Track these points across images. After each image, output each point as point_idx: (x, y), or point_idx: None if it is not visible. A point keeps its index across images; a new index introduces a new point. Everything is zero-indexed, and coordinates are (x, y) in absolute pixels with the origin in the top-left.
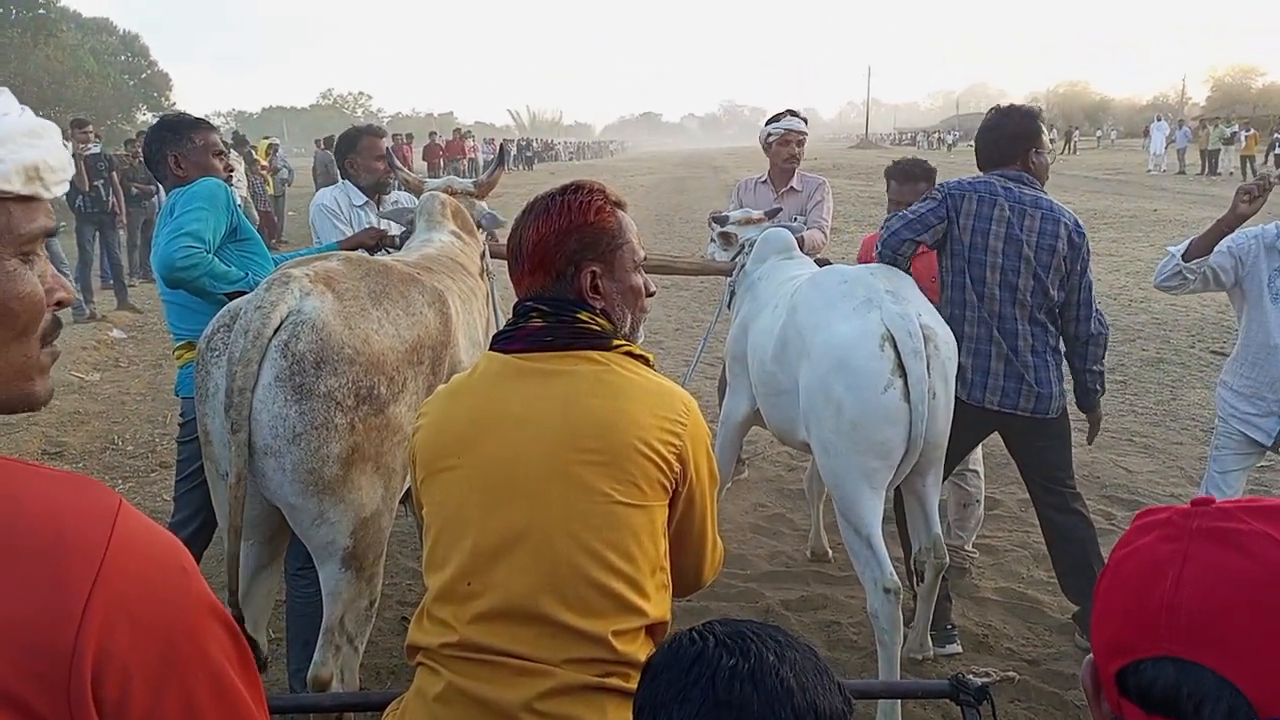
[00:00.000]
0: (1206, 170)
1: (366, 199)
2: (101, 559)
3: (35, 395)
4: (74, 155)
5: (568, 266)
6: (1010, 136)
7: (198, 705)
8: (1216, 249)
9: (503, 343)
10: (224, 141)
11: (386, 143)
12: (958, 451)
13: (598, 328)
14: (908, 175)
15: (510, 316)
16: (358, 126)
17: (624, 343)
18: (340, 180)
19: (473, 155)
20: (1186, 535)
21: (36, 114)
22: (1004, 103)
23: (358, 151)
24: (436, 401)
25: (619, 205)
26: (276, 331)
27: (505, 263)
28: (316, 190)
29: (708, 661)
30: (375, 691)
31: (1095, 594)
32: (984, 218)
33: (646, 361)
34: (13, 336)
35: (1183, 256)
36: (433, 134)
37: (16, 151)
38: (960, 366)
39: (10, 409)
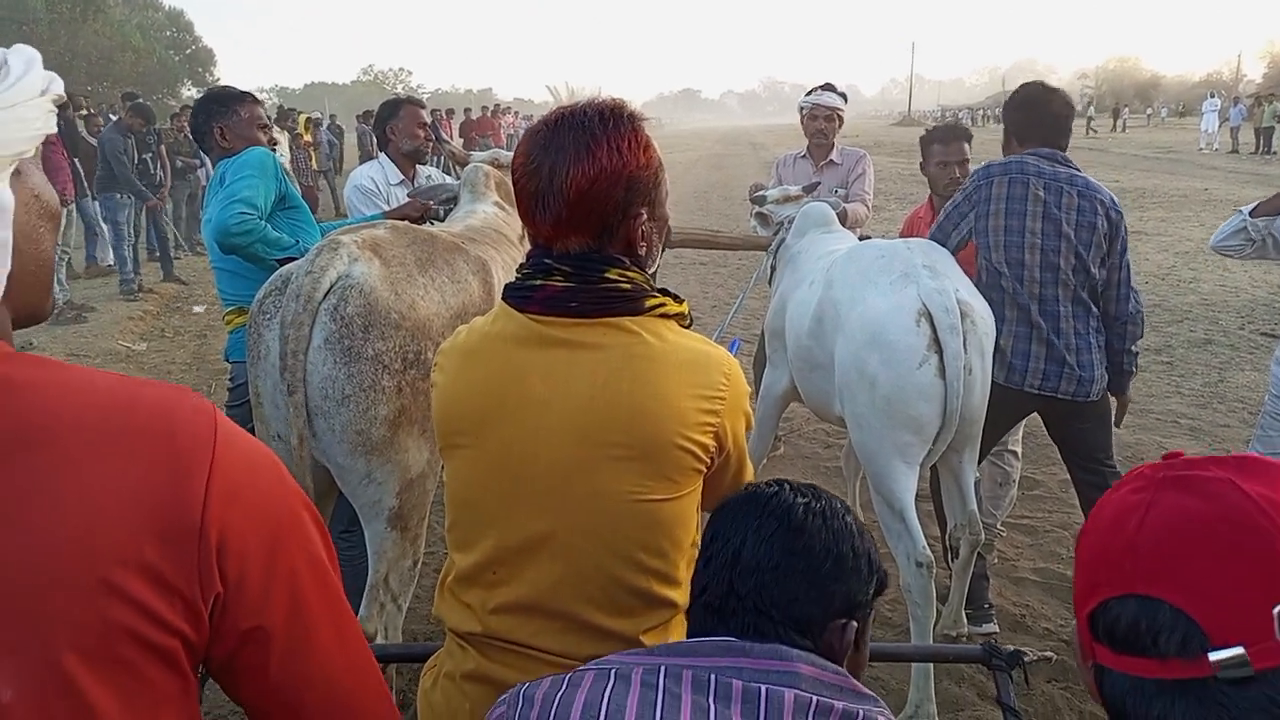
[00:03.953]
0: (1261, 149)
1: (403, 177)
2: (213, 449)
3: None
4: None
5: (615, 216)
6: (1056, 115)
7: (301, 584)
8: None
9: (519, 300)
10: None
11: (426, 116)
12: (995, 432)
13: (628, 285)
14: (924, 142)
15: (525, 262)
16: (399, 96)
17: (658, 301)
18: (377, 154)
19: (512, 131)
20: (1154, 485)
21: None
22: (1051, 79)
23: (399, 118)
24: (451, 360)
25: (644, 121)
26: (326, 295)
27: None
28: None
29: (783, 499)
30: (419, 644)
31: (1076, 548)
32: (1017, 199)
33: (682, 317)
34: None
35: (1250, 213)
36: (467, 110)
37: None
38: (999, 349)
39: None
